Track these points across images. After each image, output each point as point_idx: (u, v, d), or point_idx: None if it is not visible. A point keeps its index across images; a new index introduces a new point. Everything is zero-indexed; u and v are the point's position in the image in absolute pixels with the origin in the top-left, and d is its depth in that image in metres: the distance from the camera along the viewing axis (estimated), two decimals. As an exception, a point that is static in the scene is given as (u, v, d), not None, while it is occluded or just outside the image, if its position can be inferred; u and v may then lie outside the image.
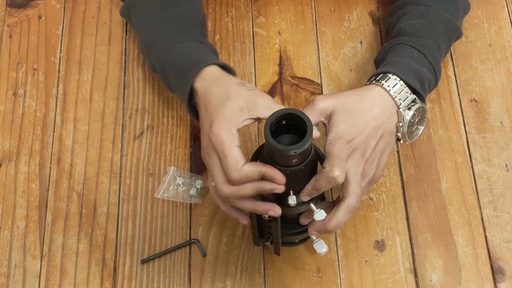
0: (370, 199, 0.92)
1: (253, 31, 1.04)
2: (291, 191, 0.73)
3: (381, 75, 0.84)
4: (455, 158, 0.95)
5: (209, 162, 0.76)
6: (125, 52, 1.03)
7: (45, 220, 0.92)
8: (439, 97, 0.98)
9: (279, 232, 0.79)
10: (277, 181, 0.71)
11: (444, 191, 0.93)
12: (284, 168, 0.71)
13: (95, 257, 0.90)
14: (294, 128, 0.71)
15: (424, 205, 0.92)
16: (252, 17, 1.05)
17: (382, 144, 0.80)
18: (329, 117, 0.79)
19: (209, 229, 0.91)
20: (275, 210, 0.73)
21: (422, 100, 0.85)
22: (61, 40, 1.05)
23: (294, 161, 0.70)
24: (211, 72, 0.82)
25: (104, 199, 0.93)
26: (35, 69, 1.03)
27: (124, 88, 1.01)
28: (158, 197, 0.93)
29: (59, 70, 1.03)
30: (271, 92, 0.99)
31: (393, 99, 0.82)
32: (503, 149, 0.95)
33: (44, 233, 0.91)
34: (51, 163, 0.96)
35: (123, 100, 1.00)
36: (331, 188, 0.92)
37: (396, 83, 0.82)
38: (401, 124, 0.82)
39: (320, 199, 0.81)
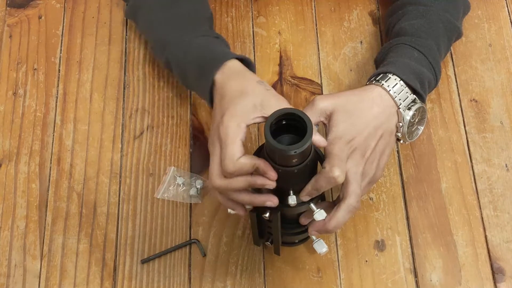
0: (370, 199, 0.92)
1: (253, 31, 1.04)
2: (291, 191, 0.73)
3: (381, 75, 0.84)
4: (455, 158, 0.95)
5: (212, 151, 0.76)
6: (125, 52, 1.03)
7: (45, 220, 0.92)
8: (439, 97, 0.98)
9: (279, 232, 0.79)
10: (269, 175, 0.71)
11: (444, 191, 0.93)
12: (284, 168, 0.71)
13: (95, 257, 0.90)
14: (294, 128, 0.71)
15: (424, 205, 0.92)
16: (252, 17, 1.05)
17: (382, 144, 0.80)
18: (329, 117, 0.79)
19: (209, 229, 0.91)
20: (272, 200, 0.73)
21: (422, 100, 0.85)
22: (61, 40, 1.05)
23: (294, 161, 0.70)
24: (232, 66, 0.82)
25: (104, 199, 0.93)
26: (35, 69, 1.03)
27: (124, 88, 1.01)
28: (158, 197, 0.93)
29: (59, 70, 1.03)
30: (271, 92, 0.99)
31: (393, 99, 0.82)
32: (503, 149, 0.95)
33: (44, 233, 0.91)
34: (51, 163, 0.96)
35: (123, 100, 1.00)
36: (331, 188, 0.92)
37: (396, 83, 0.82)
38: (401, 124, 0.82)
39: (320, 199, 0.81)
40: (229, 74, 0.81)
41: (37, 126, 0.98)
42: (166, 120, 0.98)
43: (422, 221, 0.91)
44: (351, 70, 1.01)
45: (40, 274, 0.89)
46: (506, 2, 1.06)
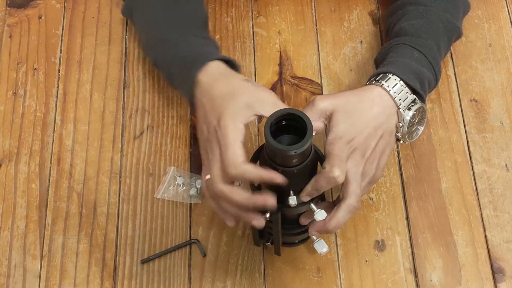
0: (370, 199, 0.92)
1: (253, 31, 1.04)
2: (292, 192, 0.73)
3: (381, 75, 0.84)
4: (455, 158, 0.95)
5: (210, 155, 0.76)
6: (125, 52, 1.03)
7: (45, 220, 0.92)
8: (439, 97, 0.98)
9: (280, 232, 0.79)
10: (279, 181, 0.71)
11: (444, 191, 0.93)
12: (284, 168, 0.71)
13: (95, 257, 0.90)
14: (294, 128, 0.71)
15: (424, 205, 0.92)
16: (252, 17, 1.05)
17: (382, 144, 0.80)
18: (329, 117, 0.79)
19: (209, 229, 0.91)
20: (258, 220, 0.73)
21: (422, 100, 0.85)
22: (61, 40, 1.05)
23: (294, 161, 0.70)
24: (216, 67, 0.82)
25: (104, 199, 0.93)
26: (35, 69, 1.03)
27: (124, 88, 1.01)
28: (158, 197, 0.93)
29: (59, 70, 1.03)
30: (271, 92, 0.99)
31: (393, 99, 0.82)
32: (503, 149, 0.95)
33: (44, 233, 0.91)
34: (51, 163, 0.96)
35: (123, 100, 1.00)
36: (331, 188, 0.92)
37: (396, 83, 0.82)
38: (401, 124, 0.82)
39: (320, 199, 0.81)
40: (214, 75, 0.81)
41: (37, 126, 0.98)
42: (166, 120, 0.98)
43: (422, 221, 0.91)
44: (351, 70, 1.01)
45: (40, 274, 0.89)
46: (506, 2, 1.06)
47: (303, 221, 0.80)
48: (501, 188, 0.93)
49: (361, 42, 1.03)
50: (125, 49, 1.03)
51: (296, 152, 0.68)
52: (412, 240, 0.90)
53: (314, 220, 0.76)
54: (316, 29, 1.04)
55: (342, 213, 0.76)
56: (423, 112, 0.85)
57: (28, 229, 0.92)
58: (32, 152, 0.97)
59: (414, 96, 0.83)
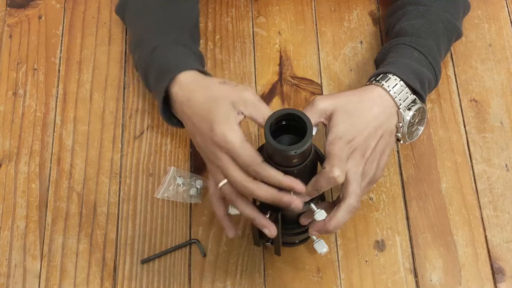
0: (370, 199, 0.92)
1: (253, 31, 1.04)
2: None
3: (381, 75, 0.84)
4: (455, 158, 0.95)
5: (218, 163, 0.75)
6: (125, 52, 1.03)
7: (45, 220, 0.92)
8: (439, 97, 0.98)
9: (280, 232, 0.79)
10: (298, 189, 0.71)
11: (444, 191, 0.93)
12: (284, 169, 0.71)
13: (95, 257, 0.90)
14: (294, 128, 0.71)
15: (424, 205, 0.92)
16: (252, 17, 1.05)
17: (382, 144, 0.80)
18: (329, 117, 0.79)
19: (209, 229, 0.91)
20: (270, 229, 0.74)
21: (422, 100, 0.85)
22: (61, 40, 1.05)
23: (294, 161, 0.70)
24: (187, 77, 0.81)
25: (104, 199, 0.93)
26: (35, 69, 1.03)
27: (124, 88, 1.01)
28: (158, 197, 0.93)
29: (59, 70, 1.03)
30: (271, 92, 0.99)
31: (393, 99, 0.82)
32: (503, 149, 0.95)
33: (44, 233, 0.91)
34: (51, 163, 0.96)
35: (123, 100, 1.00)
36: (331, 188, 0.92)
37: (396, 84, 0.82)
38: (401, 124, 0.82)
39: (320, 199, 0.81)
40: (188, 85, 0.80)
41: (37, 126, 0.98)
42: (166, 120, 0.98)
43: (422, 221, 0.91)
44: (351, 70, 1.01)
45: (40, 274, 0.89)
46: (506, 2, 1.06)
47: (303, 221, 0.80)
48: (501, 188, 0.93)
49: (361, 42, 1.03)
50: (125, 49, 1.03)
51: (296, 152, 0.68)
52: (412, 240, 0.90)
53: (314, 220, 0.76)
54: (316, 29, 1.04)
55: (342, 213, 0.76)
56: (423, 112, 0.85)
57: (28, 229, 0.92)
58: (32, 152, 0.97)
59: (414, 96, 0.83)
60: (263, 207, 0.75)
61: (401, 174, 0.94)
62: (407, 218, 0.91)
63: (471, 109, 0.98)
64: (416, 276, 0.88)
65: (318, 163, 0.76)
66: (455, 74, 1.00)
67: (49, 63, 1.03)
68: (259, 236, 0.83)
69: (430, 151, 0.95)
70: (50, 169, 0.95)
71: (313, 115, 0.78)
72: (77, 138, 0.97)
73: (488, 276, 0.88)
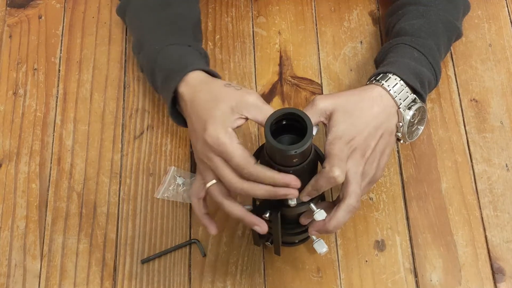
0: (370, 199, 0.92)
1: (253, 31, 1.04)
2: None
3: (381, 75, 0.84)
4: (455, 158, 0.95)
5: (209, 163, 0.76)
6: (125, 52, 1.03)
7: (45, 220, 0.92)
8: (439, 97, 0.98)
9: (280, 232, 0.79)
10: (293, 185, 0.71)
11: (444, 191, 0.93)
12: (284, 168, 0.71)
13: (95, 257, 0.90)
14: (294, 128, 0.71)
15: (424, 205, 0.92)
16: (252, 17, 1.05)
17: (382, 144, 0.80)
18: (329, 117, 0.79)
19: (209, 229, 0.91)
20: (261, 226, 0.75)
21: (422, 100, 0.85)
22: (61, 40, 1.05)
23: (294, 161, 0.70)
24: (196, 77, 0.82)
25: (104, 199, 0.93)
26: (35, 69, 1.03)
27: (124, 88, 1.01)
28: (158, 197, 0.93)
29: (59, 70, 1.03)
30: (271, 92, 0.99)
31: (393, 99, 0.82)
32: (503, 149, 0.95)
33: (44, 233, 0.91)
34: (51, 163, 0.96)
35: (123, 100, 1.00)
36: (331, 188, 0.92)
37: (396, 83, 0.82)
38: (401, 124, 0.82)
39: (320, 199, 0.81)
40: (195, 85, 0.81)
41: (37, 126, 0.98)
42: (166, 120, 0.98)
43: (422, 221, 0.91)
44: (351, 70, 1.01)
45: (40, 274, 0.89)
46: (506, 2, 1.06)
47: (303, 221, 0.80)
48: (501, 188, 0.93)
49: (361, 42, 1.03)
50: (125, 49, 1.03)
51: (296, 152, 0.68)
52: (412, 240, 0.90)
53: (314, 220, 0.76)
54: (316, 29, 1.04)
55: (342, 213, 0.76)
56: (423, 111, 0.85)
57: (28, 229, 0.92)
58: (32, 152, 0.97)
59: (414, 95, 0.83)
60: (263, 206, 0.75)
61: (401, 174, 0.94)
62: (407, 218, 0.91)
63: (471, 109, 0.98)
64: (416, 276, 0.88)
65: (318, 163, 0.76)
66: (455, 74, 1.00)
67: (49, 63, 1.03)
68: (259, 235, 0.83)
69: (430, 151, 0.95)
70: (50, 169, 0.95)
71: (313, 114, 0.78)
72: (77, 138, 0.97)
73: (488, 276, 0.88)
